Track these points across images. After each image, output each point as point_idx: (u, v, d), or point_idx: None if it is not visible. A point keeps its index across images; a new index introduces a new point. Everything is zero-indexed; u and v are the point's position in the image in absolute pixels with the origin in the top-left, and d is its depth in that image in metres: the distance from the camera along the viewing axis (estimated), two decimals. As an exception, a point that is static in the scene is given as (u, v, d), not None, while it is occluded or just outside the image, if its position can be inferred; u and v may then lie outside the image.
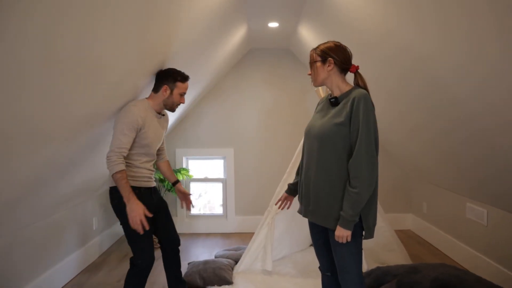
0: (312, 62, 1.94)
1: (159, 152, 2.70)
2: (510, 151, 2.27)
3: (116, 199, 2.28)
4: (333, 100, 1.90)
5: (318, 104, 2.10)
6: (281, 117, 4.79)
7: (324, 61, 1.90)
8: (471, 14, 1.71)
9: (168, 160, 2.82)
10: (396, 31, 2.36)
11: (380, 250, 3.50)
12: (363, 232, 1.85)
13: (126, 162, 2.28)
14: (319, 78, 1.92)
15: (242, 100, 4.79)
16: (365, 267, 2.91)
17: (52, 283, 3.02)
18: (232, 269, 3.33)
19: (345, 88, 1.90)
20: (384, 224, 3.49)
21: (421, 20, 2.07)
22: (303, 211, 2.01)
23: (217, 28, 3.06)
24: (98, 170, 3.28)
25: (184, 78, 2.39)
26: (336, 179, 1.82)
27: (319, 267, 2.11)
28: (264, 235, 3.33)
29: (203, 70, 3.60)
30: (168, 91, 2.36)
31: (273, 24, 3.67)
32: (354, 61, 1.95)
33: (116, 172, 2.12)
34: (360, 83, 1.90)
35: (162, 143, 2.67)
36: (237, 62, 4.73)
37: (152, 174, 2.49)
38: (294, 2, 3.08)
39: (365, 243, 3.49)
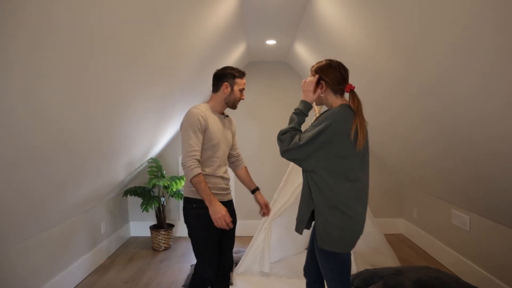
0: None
1: (235, 159, 2.63)
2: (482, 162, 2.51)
3: (186, 209, 2.29)
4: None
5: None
6: (278, 126, 4.95)
7: (318, 83, 1.91)
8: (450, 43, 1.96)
9: (246, 167, 2.68)
10: (382, 52, 2.61)
11: (371, 254, 3.72)
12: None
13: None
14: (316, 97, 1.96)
15: (241, 110, 5.01)
16: (354, 270, 3.14)
17: (65, 284, 3.26)
18: (232, 270, 3.56)
19: (324, 109, 1.99)
20: (375, 229, 3.72)
21: (407, 46, 2.31)
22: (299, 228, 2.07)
23: (219, 47, 3.31)
24: (107, 179, 3.53)
25: (242, 74, 2.39)
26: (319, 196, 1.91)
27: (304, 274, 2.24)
28: (262, 239, 3.56)
29: (204, 84, 3.85)
30: (229, 88, 2.34)
31: (271, 42, 3.92)
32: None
33: (193, 177, 2.11)
34: (352, 103, 1.87)
35: (236, 148, 2.62)
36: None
37: (228, 183, 2.42)
38: (290, 23, 3.32)
39: (357, 247, 3.73)
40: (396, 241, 4.61)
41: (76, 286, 3.44)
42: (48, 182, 2.41)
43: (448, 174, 3.19)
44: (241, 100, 2.44)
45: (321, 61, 1.95)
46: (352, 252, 3.28)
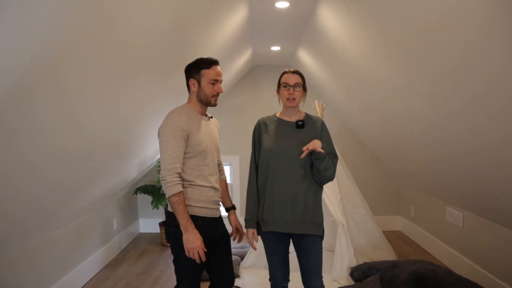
0: (301, 85, 2.09)
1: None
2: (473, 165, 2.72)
3: (173, 226, 1.96)
4: (300, 123, 2.12)
5: (265, 126, 2.20)
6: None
7: (304, 89, 2.13)
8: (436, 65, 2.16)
9: (225, 180, 2.35)
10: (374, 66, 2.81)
11: (370, 249, 3.93)
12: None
13: (187, 182, 1.98)
14: (299, 101, 2.11)
15: (247, 111, 5.24)
16: (354, 263, 3.36)
17: (82, 276, 3.48)
18: (239, 264, 3.77)
19: (303, 113, 2.19)
20: (374, 226, 3.93)
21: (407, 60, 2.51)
22: (287, 226, 2.08)
23: (227, 54, 3.51)
24: (121, 177, 3.73)
25: (209, 63, 2.01)
26: (319, 190, 2.13)
27: (272, 280, 2.23)
28: (267, 235, 3.76)
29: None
30: (196, 84, 2.01)
31: (275, 48, 4.13)
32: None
33: (172, 195, 1.87)
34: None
35: (218, 155, 2.24)
36: (241, 77, 5.19)
37: (219, 196, 2.14)
38: (294, 32, 3.53)
39: (357, 242, 3.95)
40: (394, 238, 4.82)
41: (92, 278, 3.65)
42: (72, 180, 2.61)
43: (442, 175, 3.39)
44: (221, 94, 2.08)
45: (297, 72, 2.14)
46: (352, 247, 3.52)
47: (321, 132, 2.13)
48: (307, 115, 2.19)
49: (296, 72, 2.11)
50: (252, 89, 5.25)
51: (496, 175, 2.52)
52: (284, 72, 2.14)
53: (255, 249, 2.23)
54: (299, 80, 2.09)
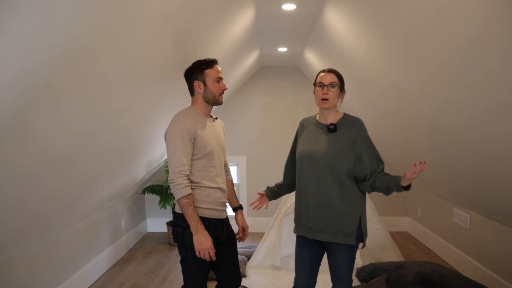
0: (337, 85, 2.00)
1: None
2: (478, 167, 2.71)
3: (180, 227, 2.01)
4: (332, 127, 2.02)
5: (302, 127, 2.18)
6: (288, 127, 5.23)
7: (341, 89, 2.03)
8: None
9: (232, 180, 2.39)
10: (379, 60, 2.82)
11: (376, 249, 3.93)
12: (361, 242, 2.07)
13: (195, 184, 2.01)
14: (333, 102, 2.01)
15: (254, 112, 5.27)
16: (359, 263, 3.37)
17: (91, 275, 3.53)
18: (245, 264, 3.80)
19: (340, 114, 2.08)
20: (380, 226, 3.93)
21: (405, 58, 2.52)
22: (311, 232, 2.04)
23: (234, 55, 3.54)
24: (130, 178, 3.78)
25: (210, 62, 2.06)
26: (351, 198, 2.01)
27: (295, 286, 2.16)
28: (274, 235, 3.78)
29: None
30: (202, 85, 2.05)
31: (282, 49, 4.15)
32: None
33: (182, 197, 1.90)
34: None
35: (224, 156, 2.26)
36: (249, 78, 5.21)
37: (226, 197, 2.17)
38: (301, 33, 3.54)
39: (363, 243, 3.95)
40: (401, 238, 4.81)
41: (101, 277, 3.70)
42: (82, 181, 2.66)
43: (447, 175, 3.38)
44: (226, 91, 2.10)
45: (338, 71, 2.07)
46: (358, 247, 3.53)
47: (357, 135, 2.01)
48: (344, 116, 2.07)
49: (332, 71, 2.03)
50: (259, 89, 5.27)
51: (500, 176, 2.52)
52: (320, 72, 2.06)
53: (253, 208, 2.35)
54: (334, 79, 2.01)
